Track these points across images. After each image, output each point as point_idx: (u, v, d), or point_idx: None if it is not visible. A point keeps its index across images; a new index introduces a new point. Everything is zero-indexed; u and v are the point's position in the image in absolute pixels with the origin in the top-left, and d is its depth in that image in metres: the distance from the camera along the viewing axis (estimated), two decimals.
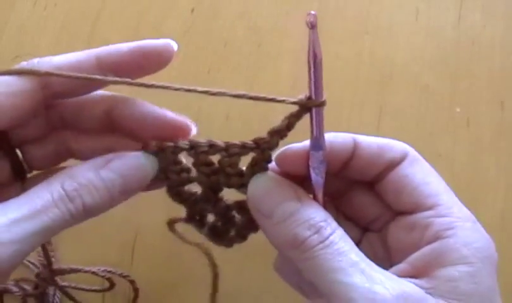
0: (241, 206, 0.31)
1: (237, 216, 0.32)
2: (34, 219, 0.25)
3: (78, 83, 0.29)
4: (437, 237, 0.26)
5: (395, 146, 0.30)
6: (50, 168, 0.32)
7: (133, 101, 0.31)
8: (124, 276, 0.39)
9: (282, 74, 0.47)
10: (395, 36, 0.48)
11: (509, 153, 0.44)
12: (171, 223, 0.34)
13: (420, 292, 0.25)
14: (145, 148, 0.29)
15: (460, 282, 0.25)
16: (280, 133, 0.28)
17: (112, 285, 0.39)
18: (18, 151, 0.31)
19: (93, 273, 0.38)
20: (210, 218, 0.32)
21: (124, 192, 0.28)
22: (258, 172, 0.29)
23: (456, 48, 0.48)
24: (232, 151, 0.29)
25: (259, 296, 0.41)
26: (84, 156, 0.31)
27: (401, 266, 0.27)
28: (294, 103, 0.27)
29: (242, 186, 0.30)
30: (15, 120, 0.28)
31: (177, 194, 0.31)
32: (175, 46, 0.31)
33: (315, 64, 0.27)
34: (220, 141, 0.29)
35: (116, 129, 0.30)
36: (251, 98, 0.28)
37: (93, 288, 0.40)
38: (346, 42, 0.48)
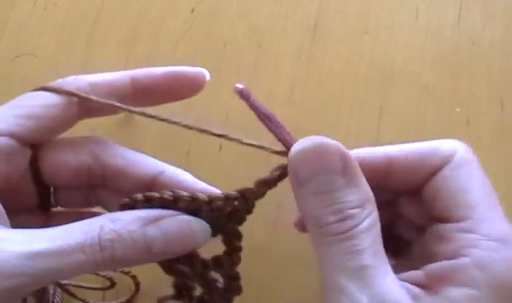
0: (219, 263, 0.29)
1: (219, 281, 0.30)
2: (57, 258, 0.24)
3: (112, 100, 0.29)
4: (457, 254, 0.25)
5: (439, 149, 0.28)
6: (75, 208, 0.31)
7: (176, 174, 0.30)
8: (126, 273, 0.39)
9: (282, 74, 0.47)
10: (395, 36, 0.48)
11: (509, 153, 0.44)
12: (161, 302, 0.33)
13: None
14: (131, 199, 0.27)
15: None
16: (269, 184, 0.27)
17: (113, 283, 0.39)
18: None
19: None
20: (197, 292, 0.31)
21: (164, 255, 0.27)
22: (235, 224, 0.28)
23: (456, 48, 0.48)
24: (215, 205, 0.27)
25: (259, 296, 0.41)
26: (113, 210, 0.29)
27: (417, 273, 0.26)
28: (276, 153, 0.27)
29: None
30: (51, 131, 0.28)
31: (176, 270, 0.30)
32: (207, 75, 0.31)
33: (271, 120, 0.28)
34: (202, 195, 0.27)
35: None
36: (233, 139, 0.28)
37: (94, 286, 0.40)
38: (346, 42, 0.48)
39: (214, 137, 0.45)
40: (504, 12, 0.49)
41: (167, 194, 0.27)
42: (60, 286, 0.40)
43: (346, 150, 0.27)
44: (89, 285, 0.40)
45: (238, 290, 0.30)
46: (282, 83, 0.47)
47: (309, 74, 0.47)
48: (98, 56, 0.49)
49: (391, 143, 0.44)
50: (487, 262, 0.24)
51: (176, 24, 0.50)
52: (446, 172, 0.27)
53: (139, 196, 0.27)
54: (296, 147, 0.27)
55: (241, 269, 0.42)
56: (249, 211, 0.28)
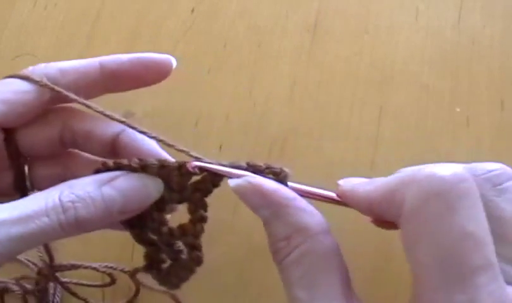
0: (183, 231, 0.30)
1: (184, 253, 0.31)
2: (21, 225, 0.24)
3: (82, 86, 0.30)
4: None
5: (394, 196, 0.23)
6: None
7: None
8: (126, 271, 0.39)
9: (282, 74, 0.47)
10: (395, 36, 0.48)
11: (509, 153, 0.44)
12: (133, 275, 0.34)
13: None
14: (104, 166, 0.29)
15: None
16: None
17: (113, 281, 0.39)
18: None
19: (94, 268, 0.38)
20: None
21: (123, 212, 0.28)
22: (202, 194, 0.29)
23: (456, 48, 0.48)
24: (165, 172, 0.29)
25: (259, 296, 0.41)
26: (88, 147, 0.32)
27: None
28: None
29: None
30: (24, 115, 0.29)
31: (146, 239, 0.31)
32: (174, 62, 0.32)
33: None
34: (170, 160, 0.30)
35: (119, 155, 0.31)
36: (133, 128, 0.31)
37: (94, 283, 0.40)
38: (346, 42, 0.48)
39: (214, 137, 0.45)
40: (504, 12, 0.49)
41: (134, 162, 0.29)
42: (61, 284, 0.40)
43: (267, 186, 0.26)
44: (89, 283, 0.40)
45: (198, 260, 0.30)
46: (282, 83, 0.47)
47: (309, 74, 0.47)
48: (98, 56, 0.49)
49: (391, 143, 0.45)
50: None
51: (176, 24, 0.50)
52: (400, 226, 0.23)
53: (110, 162, 0.29)
54: (230, 185, 0.27)
55: (241, 269, 0.42)
56: (215, 185, 0.29)
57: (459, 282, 0.20)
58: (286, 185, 0.28)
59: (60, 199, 0.26)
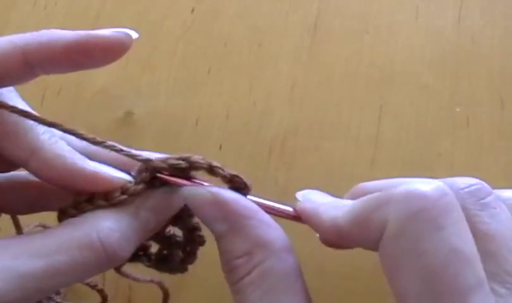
0: (177, 215, 0.28)
1: (179, 236, 0.29)
2: (47, 280, 0.21)
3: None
4: None
5: (371, 219, 0.21)
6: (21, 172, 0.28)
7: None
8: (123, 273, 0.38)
9: (282, 74, 0.47)
10: (395, 35, 0.48)
11: (509, 153, 0.44)
12: (118, 267, 0.32)
13: None
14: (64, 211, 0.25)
15: None
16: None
17: (104, 298, 0.38)
18: None
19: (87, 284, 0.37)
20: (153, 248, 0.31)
21: (157, 228, 0.26)
22: None
23: (456, 48, 0.48)
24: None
25: None
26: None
27: None
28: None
29: None
30: None
31: None
32: (134, 35, 0.26)
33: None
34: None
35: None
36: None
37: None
38: (346, 42, 0.48)
39: (214, 137, 0.45)
40: (504, 12, 0.49)
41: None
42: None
43: (226, 196, 0.24)
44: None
45: (201, 241, 0.29)
46: (282, 83, 0.47)
47: (309, 74, 0.47)
48: None
49: (391, 143, 0.45)
50: None
51: (176, 24, 0.50)
52: (379, 250, 0.21)
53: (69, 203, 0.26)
54: (183, 194, 0.25)
55: None
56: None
57: None
58: (245, 195, 0.25)
59: (100, 240, 0.23)
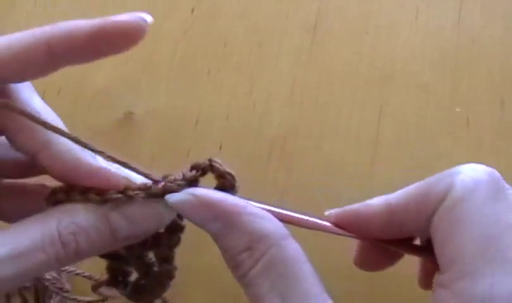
0: (158, 241, 0.28)
1: (156, 265, 0.29)
2: (13, 264, 0.22)
3: (16, 69, 0.24)
4: None
5: (434, 188, 0.23)
6: (25, 181, 0.29)
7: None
8: (90, 279, 0.38)
9: (282, 74, 0.47)
10: (395, 36, 0.48)
11: (509, 153, 0.44)
12: (95, 288, 0.31)
13: None
14: (54, 194, 0.25)
15: None
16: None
17: (105, 299, 0.38)
18: None
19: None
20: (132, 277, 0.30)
21: (131, 237, 0.25)
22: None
23: (456, 48, 0.48)
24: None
25: None
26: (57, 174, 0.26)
27: None
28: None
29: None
30: None
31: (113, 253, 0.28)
32: (148, 19, 0.26)
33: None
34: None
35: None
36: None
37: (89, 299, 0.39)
38: (346, 42, 0.48)
39: (214, 137, 0.45)
40: (504, 12, 0.49)
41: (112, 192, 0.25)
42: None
43: (213, 196, 0.24)
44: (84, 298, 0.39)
45: (169, 274, 0.28)
46: (282, 83, 0.47)
47: (309, 74, 0.47)
48: None
49: (391, 143, 0.45)
50: None
51: (176, 24, 0.50)
52: (436, 217, 0.23)
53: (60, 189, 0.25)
54: (168, 201, 0.25)
55: None
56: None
57: (504, 270, 0.20)
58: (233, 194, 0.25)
59: (59, 232, 0.23)
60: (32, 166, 0.28)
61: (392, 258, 0.29)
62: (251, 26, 0.50)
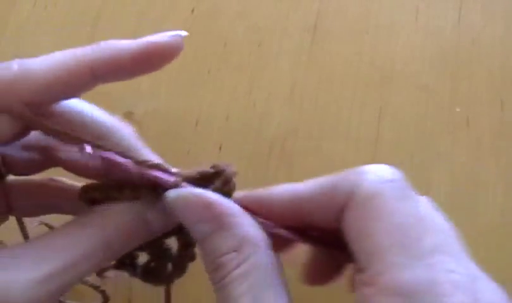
0: (178, 229, 0.28)
1: (170, 248, 0.29)
2: (67, 275, 0.23)
3: (57, 90, 0.24)
4: None
5: (340, 185, 0.24)
6: (32, 176, 0.30)
7: None
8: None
9: (282, 74, 0.47)
10: (395, 36, 0.48)
11: (509, 153, 0.44)
12: (100, 273, 0.31)
13: None
14: (85, 191, 0.26)
15: None
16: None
17: (106, 299, 0.38)
18: None
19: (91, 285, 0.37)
20: (141, 259, 0.30)
21: (163, 230, 0.27)
22: None
23: (456, 48, 0.48)
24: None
25: None
26: (71, 167, 0.28)
27: None
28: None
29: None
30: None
31: None
32: (183, 34, 0.27)
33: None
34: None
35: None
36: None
37: None
38: (346, 42, 0.48)
39: (214, 137, 0.45)
40: (504, 12, 0.49)
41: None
42: None
43: (208, 196, 0.25)
44: None
45: (192, 256, 0.29)
46: (282, 83, 0.47)
47: (309, 74, 0.47)
48: None
49: (391, 143, 0.45)
50: None
51: (176, 24, 0.50)
52: (346, 214, 0.23)
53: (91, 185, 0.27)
54: (167, 197, 0.25)
55: None
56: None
57: (420, 260, 0.21)
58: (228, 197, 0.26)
59: (105, 238, 0.24)
60: (42, 164, 0.29)
61: (338, 270, 0.29)
62: (251, 26, 0.50)
